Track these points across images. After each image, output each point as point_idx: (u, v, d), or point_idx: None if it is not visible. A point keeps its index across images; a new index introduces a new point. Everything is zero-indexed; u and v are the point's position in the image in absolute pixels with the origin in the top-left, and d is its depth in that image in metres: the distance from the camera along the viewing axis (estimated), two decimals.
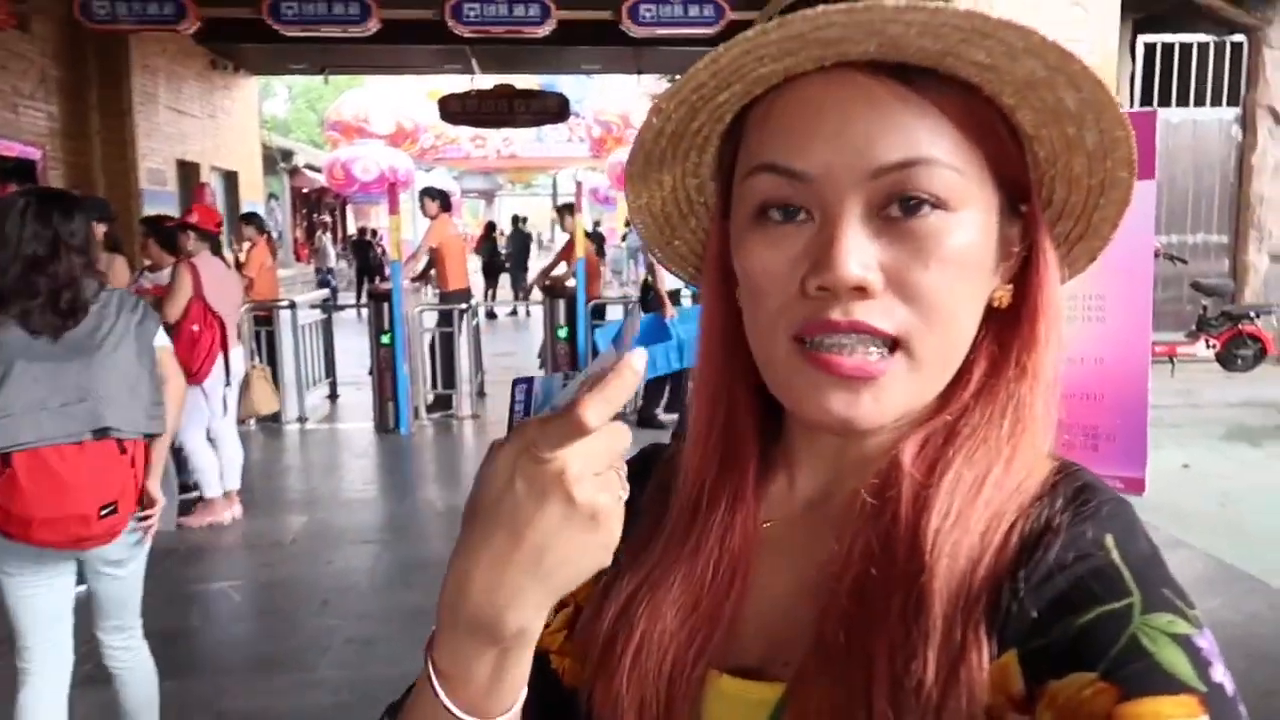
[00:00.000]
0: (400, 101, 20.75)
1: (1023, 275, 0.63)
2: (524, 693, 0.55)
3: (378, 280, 18.72)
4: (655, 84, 18.17)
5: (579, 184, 8.78)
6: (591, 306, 7.86)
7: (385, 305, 7.50)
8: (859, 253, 0.55)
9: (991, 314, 0.62)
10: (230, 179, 15.10)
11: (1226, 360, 8.80)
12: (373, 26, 7.59)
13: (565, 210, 8.53)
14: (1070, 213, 0.65)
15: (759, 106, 0.61)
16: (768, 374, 0.62)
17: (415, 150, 20.87)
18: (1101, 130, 0.59)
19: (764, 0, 9.22)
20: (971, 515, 0.57)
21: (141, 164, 11.73)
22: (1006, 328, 0.62)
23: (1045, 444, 0.61)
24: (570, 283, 7.90)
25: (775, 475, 0.70)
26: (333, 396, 8.92)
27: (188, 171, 13.49)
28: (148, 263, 5.52)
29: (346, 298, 16.64)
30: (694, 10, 7.52)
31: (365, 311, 8.43)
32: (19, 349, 2.39)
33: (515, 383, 0.59)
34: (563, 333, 7.71)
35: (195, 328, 4.98)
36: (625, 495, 0.51)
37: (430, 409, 8.18)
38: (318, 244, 18.16)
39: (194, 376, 4.80)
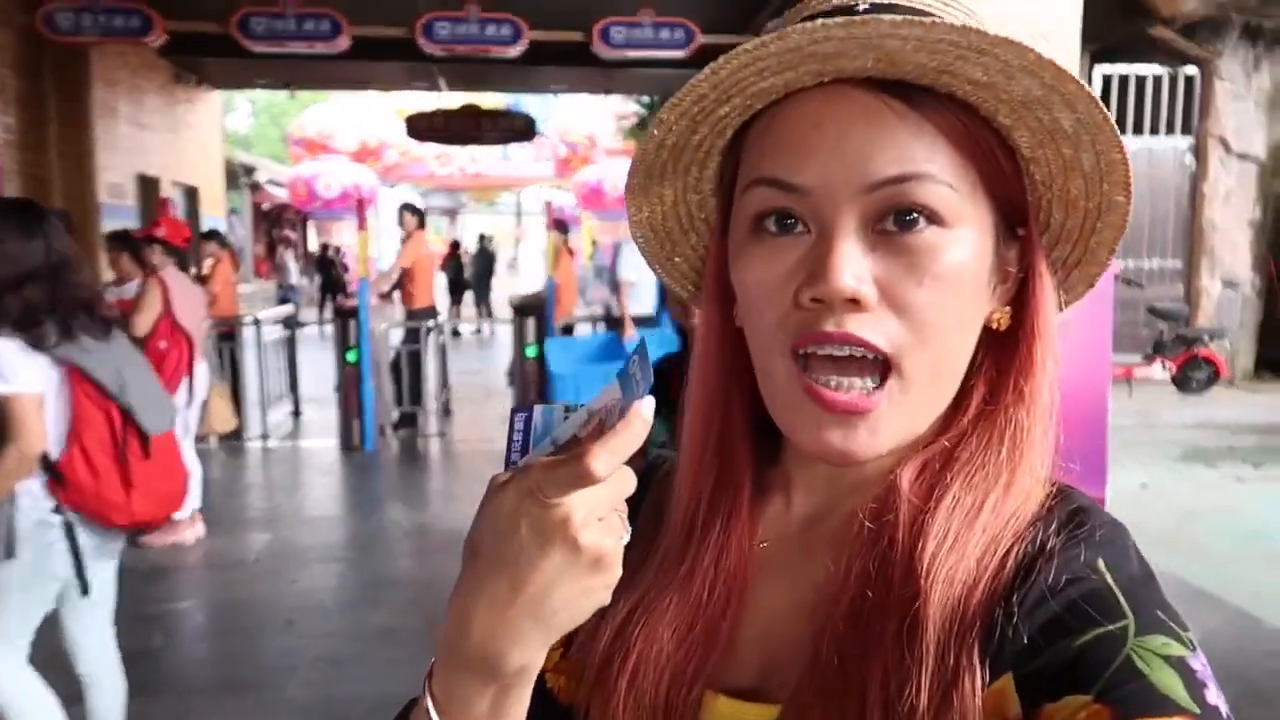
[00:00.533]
0: (365, 118, 20.64)
1: (1019, 298, 0.63)
2: None
3: (340, 297, 18.57)
4: (622, 104, 18.29)
5: (549, 204, 8.79)
6: (561, 325, 7.86)
7: (351, 322, 7.43)
8: (853, 265, 0.56)
9: (990, 337, 0.63)
10: (191, 194, 14.91)
11: (1182, 382, 9.01)
12: (343, 44, 7.56)
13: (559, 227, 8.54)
14: (1068, 237, 0.65)
15: (759, 121, 0.61)
16: (767, 396, 0.62)
17: (379, 167, 20.76)
18: (1098, 152, 0.59)
19: (736, 23, 9.33)
20: (968, 541, 0.57)
21: (100, 177, 11.55)
22: (1004, 352, 0.63)
23: (1043, 469, 0.61)
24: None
25: (772, 496, 0.69)
26: (296, 414, 8.82)
27: (148, 186, 13.29)
28: (112, 277, 5.43)
29: (308, 315, 16.47)
30: (665, 33, 7.59)
31: (330, 329, 8.35)
32: (112, 354, 2.56)
33: (514, 412, 0.56)
34: (531, 351, 7.69)
35: (163, 344, 4.90)
36: (627, 538, 0.53)
37: (396, 426, 8.11)
38: (279, 260, 17.94)
39: None
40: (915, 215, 0.56)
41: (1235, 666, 3.82)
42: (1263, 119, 9.55)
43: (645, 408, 0.50)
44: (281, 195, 20.70)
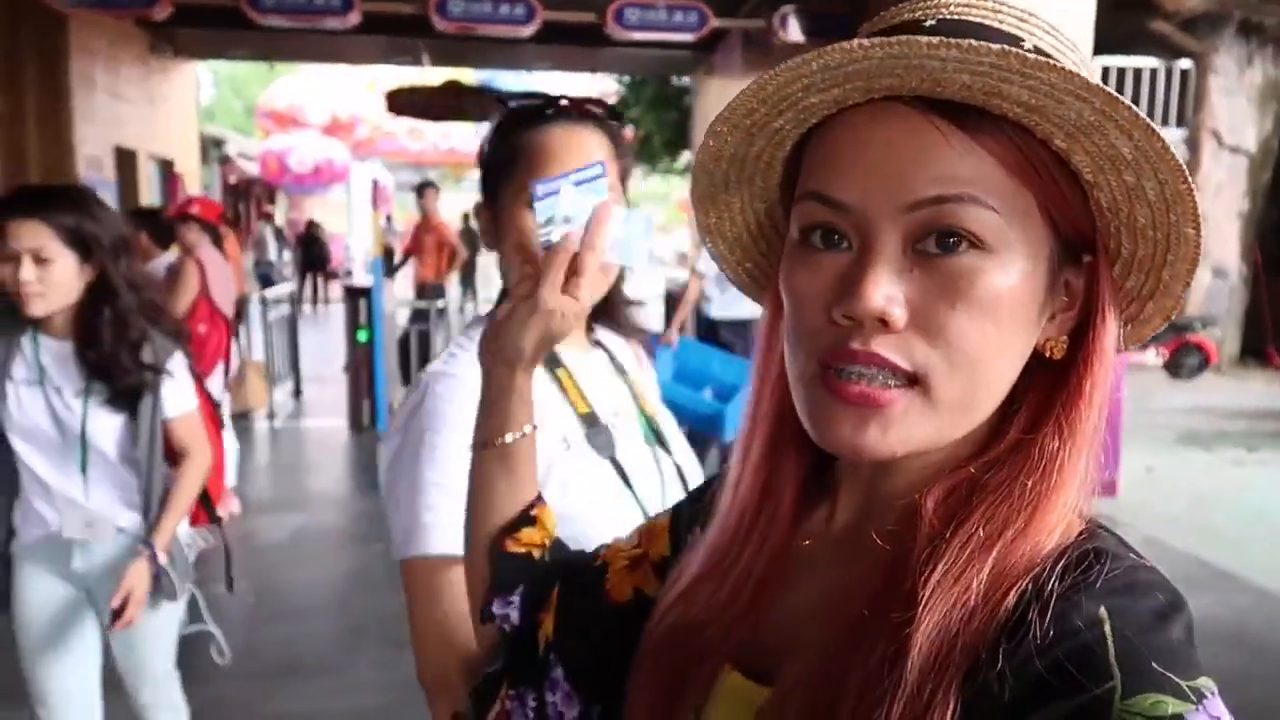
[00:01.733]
0: (336, 91, 20.28)
1: (1080, 327, 0.62)
2: (527, 427, 0.87)
3: (321, 275, 18.21)
4: (601, 83, 18.18)
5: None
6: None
7: (362, 300, 7.37)
8: (886, 285, 0.56)
9: (1040, 365, 0.61)
10: (167, 167, 14.56)
11: (1173, 368, 9.28)
12: (354, 19, 7.44)
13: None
14: (1140, 267, 0.63)
15: (815, 135, 0.62)
16: (795, 395, 0.63)
17: (350, 141, 20.44)
18: (1161, 182, 0.56)
19: (749, 8, 9.34)
20: (976, 574, 0.55)
21: (80, 149, 11.25)
22: (1056, 380, 0.61)
23: (1074, 505, 0.59)
24: None
25: (822, 499, 0.72)
26: (297, 393, 8.73)
27: (125, 159, 12.95)
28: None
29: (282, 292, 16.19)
30: (679, 16, 7.59)
31: (318, 307, 8.20)
32: None
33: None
34: (362, 335, 7.60)
35: (202, 328, 4.79)
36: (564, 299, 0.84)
37: None
38: (259, 235, 17.63)
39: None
40: (957, 237, 0.56)
41: (1271, 644, 4.00)
42: (1254, 113, 9.82)
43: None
44: (251, 169, 20.28)
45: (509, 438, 0.86)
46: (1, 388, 2.19)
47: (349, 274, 13.01)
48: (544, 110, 1.21)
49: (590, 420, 1.24)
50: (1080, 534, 0.59)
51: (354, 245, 15.04)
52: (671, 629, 0.72)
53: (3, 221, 2.09)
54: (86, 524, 2.22)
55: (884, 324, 0.56)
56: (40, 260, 2.08)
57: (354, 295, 7.50)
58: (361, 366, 7.39)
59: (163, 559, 2.21)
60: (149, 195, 12.14)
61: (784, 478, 0.70)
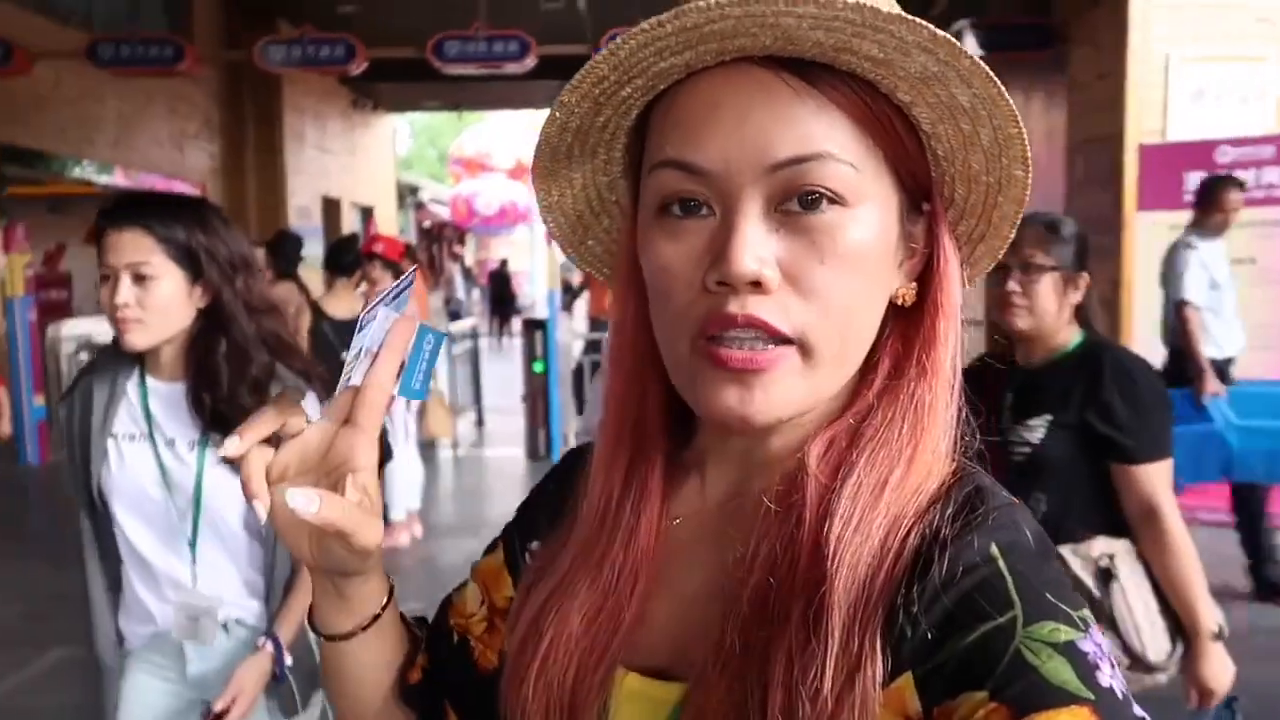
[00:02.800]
0: (519, 137, 21.26)
1: (925, 273, 0.63)
2: (379, 604, 0.72)
3: (511, 312, 19.05)
4: None
5: None
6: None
7: (538, 333, 7.61)
8: (756, 247, 0.56)
9: (896, 312, 0.63)
10: (367, 213, 15.67)
11: None
12: (530, 63, 7.78)
13: None
14: (971, 211, 0.66)
15: (663, 102, 0.61)
16: (673, 372, 0.62)
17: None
18: (995, 127, 0.59)
19: None
20: (873, 521, 0.57)
21: (290, 200, 12.28)
22: (909, 326, 0.63)
23: (944, 444, 0.61)
24: None
25: (688, 475, 0.70)
26: (479, 423, 9.09)
27: (331, 207, 14.07)
28: (364, 288, 5.67)
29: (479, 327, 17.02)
30: None
31: (503, 341, 8.52)
32: None
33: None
34: (538, 366, 7.66)
35: None
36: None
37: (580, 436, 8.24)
38: (447, 274, 18.66)
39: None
40: (817, 195, 0.56)
41: None
42: None
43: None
44: (443, 213, 21.52)
45: (365, 622, 0.72)
46: (100, 444, 1.76)
47: (530, 308, 13.54)
48: None
49: None
50: (955, 472, 0.61)
51: (534, 281, 15.63)
52: (550, 644, 0.66)
53: (102, 234, 1.69)
54: (190, 617, 1.74)
55: (758, 286, 0.56)
56: (140, 278, 1.65)
57: (531, 328, 7.76)
58: (538, 397, 7.62)
59: (287, 658, 1.73)
60: None
61: (647, 462, 0.68)
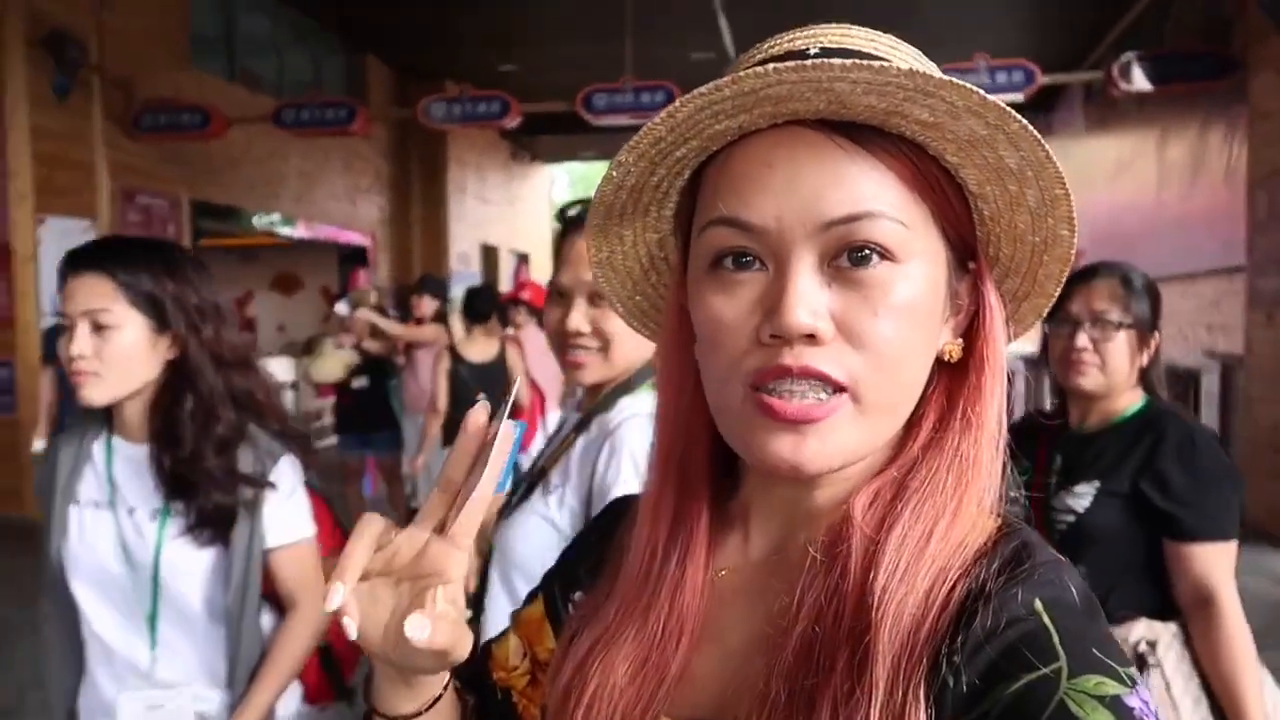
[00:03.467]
0: None
1: (970, 329, 0.64)
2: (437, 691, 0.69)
3: None
4: None
5: None
6: None
7: None
8: (809, 301, 0.56)
9: (942, 367, 0.64)
10: (524, 259, 16.27)
11: None
12: None
13: None
14: (1016, 269, 0.67)
15: (715, 162, 0.62)
16: (722, 422, 0.62)
17: None
18: (1042, 188, 0.61)
19: (1071, 59, 8.76)
20: (918, 573, 0.57)
21: (452, 248, 12.90)
22: (955, 381, 0.64)
23: (989, 498, 0.62)
24: None
25: (732, 528, 0.70)
26: None
27: (489, 254, 14.69)
28: (511, 330, 5.93)
29: None
30: (1001, 77, 7.29)
31: None
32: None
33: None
34: None
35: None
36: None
37: None
38: None
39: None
40: (868, 252, 0.57)
41: None
42: None
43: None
44: None
45: (428, 704, 0.70)
46: (63, 513, 1.59)
47: None
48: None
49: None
50: (1001, 528, 0.61)
51: None
52: (594, 694, 0.66)
53: (62, 280, 1.53)
54: (149, 706, 1.55)
55: (812, 339, 0.57)
56: (99, 327, 1.49)
57: None
58: None
59: None
60: (506, 284, 13.59)
61: (693, 513, 0.69)
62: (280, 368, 9.46)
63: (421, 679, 0.68)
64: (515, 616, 0.83)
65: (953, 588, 0.57)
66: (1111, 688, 0.51)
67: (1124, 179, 9.97)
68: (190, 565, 1.55)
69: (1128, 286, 1.82)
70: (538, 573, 0.85)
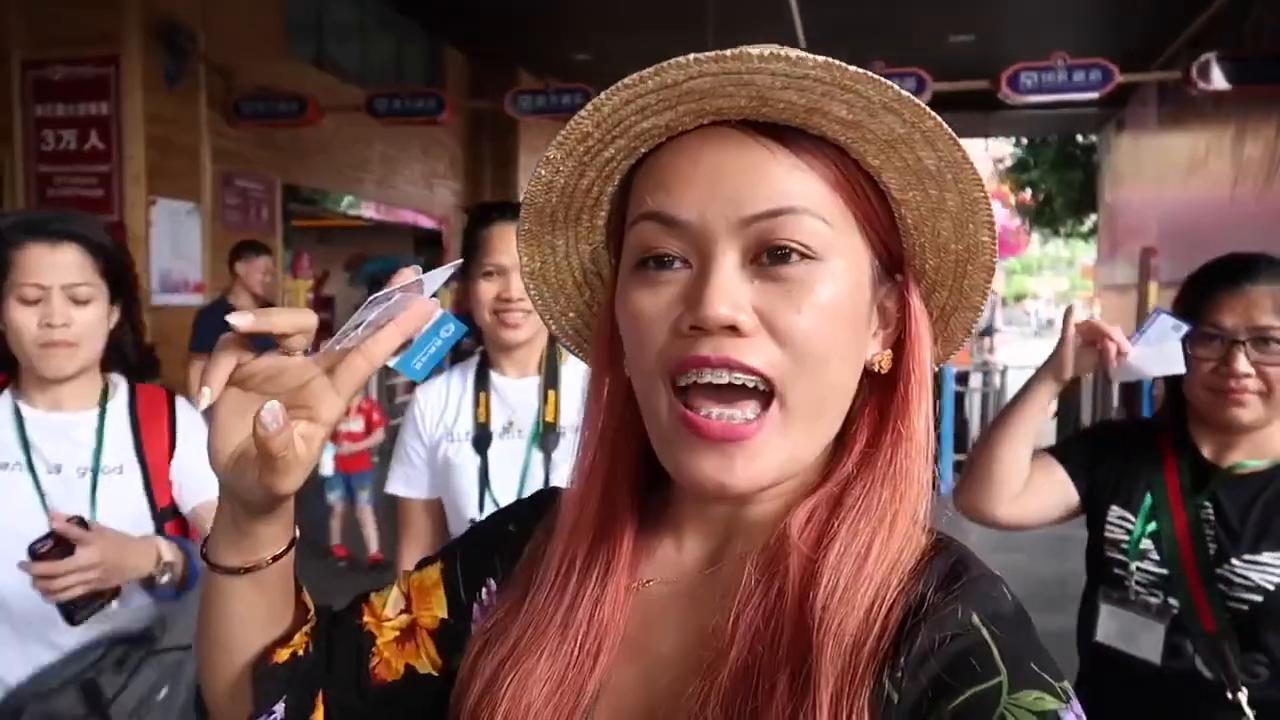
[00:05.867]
0: None
1: (898, 342, 0.64)
2: (280, 546, 0.68)
3: None
4: (996, 147, 17.64)
5: None
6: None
7: None
8: (731, 293, 0.57)
9: (872, 381, 0.64)
10: None
11: None
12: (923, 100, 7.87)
13: None
14: (942, 283, 0.66)
15: (644, 165, 0.63)
16: (652, 433, 0.62)
17: None
18: (961, 191, 0.61)
19: (1145, 57, 8.69)
20: (856, 591, 0.57)
21: None
22: (885, 395, 0.64)
23: (921, 511, 0.61)
24: None
25: (662, 538, 0.69)
26: None
27: None
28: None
29: None
30: (1079, 76, 7.29)
31: None
32: None
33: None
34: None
35: None
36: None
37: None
38: None
39: None
40: (788, 250, 0.58)
41: None
42: None
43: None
44: None
45: (251, 564, 0.68)
46: None
47: None
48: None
49: (481, 428, 1.84)
50: (935, 543, 0.62)
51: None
52: (511, 703, 0.64)
53: (17, 247, 1.50)
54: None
55: (732, 330, 0.57)
56: (76, 300, 1.51)
57: None
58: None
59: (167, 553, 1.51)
60: None
61: (617, 529, 0.68)
62: None
63: (254, 533, 0.66)
64: (405, 574, 0.80)
65: (892, 605, 0.57)
66: (1049, 703, 0.52)
67: (1198, 176, 9.88)
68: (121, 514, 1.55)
69: None
70: None
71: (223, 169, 7.53)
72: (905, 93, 0.56)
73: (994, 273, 0.65)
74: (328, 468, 5.49)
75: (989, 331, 14.67)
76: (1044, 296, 37.51)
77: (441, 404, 1.90)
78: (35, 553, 1.37)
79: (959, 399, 8.31)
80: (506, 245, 1.77)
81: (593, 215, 0.69)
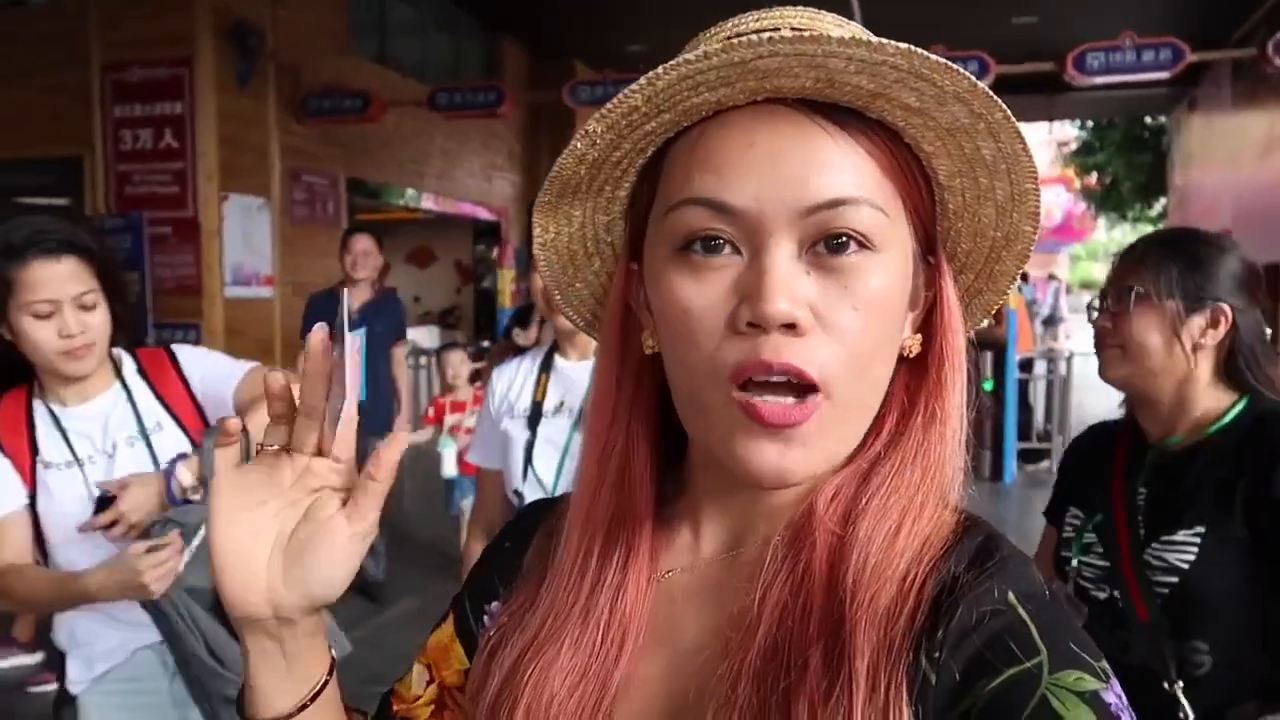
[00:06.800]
0: None
1: (928, 324, 0.62)
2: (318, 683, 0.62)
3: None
4: (1060, 129, 17.26)
5: None
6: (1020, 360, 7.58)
7: (987, 353, 7.39)
8: (790, 287, 0.54)
9: (901, 363, 0.62)
10: None
11: None
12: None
13: None
14: (972, 266, 0.65)
15: (683, 140, 0.59)
16: (700, 422, 0.59)
17: None
18: (1013, 182, 0.60)
19: (1216, 37, 8.46)
20: (887, 568, 0.56)
21: None
22: (914, 376, 0.62)
23: (952, 492, 0.60)
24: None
25: (679, 527, 0.67)
26: None
27: None
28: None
29: None
30: (1148, 55, 7.12)
31: None
32: None
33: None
34: (988, 385, 7.52)
35: None
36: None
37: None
38: None
39: None
40: (846, 239, 0.55)
41: None
42: None
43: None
44: None
45: (308, 696, 0.63)
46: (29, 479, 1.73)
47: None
48: None
49: (536, 406, 2.03)
50: (963, 522, 0.60)
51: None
52: (528, 711, 0.62)
53: (22, 264, 1.64)
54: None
55: (791, 328, 0.54)
56: (85, 308, 1.69)
57: (980, 347, 7.43)
58: (985, 417, 7.15)
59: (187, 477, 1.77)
60: None
61: (635, 514, 0.65)
62: (424, 336, 10.00)
63: (302, 655, 0.61)
64: (421, 646, 0.78)
65: (924, 581, 0.56)
66: (1090, 683, 0.51)
67: (1274, 155, 9.60)
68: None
69: None
70: None
71: (290, 165, 7.72)
72: (980, 84, 0.54)
73: (1027, 260, 0.64)
74: (452, 469, 5.07)
75: (1053, 320, 14.40)
76: None
77: (509, 383, 2.13)
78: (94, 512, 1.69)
79: (1023, 386, 8.19)
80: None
81: (616, 186, 0.65)
